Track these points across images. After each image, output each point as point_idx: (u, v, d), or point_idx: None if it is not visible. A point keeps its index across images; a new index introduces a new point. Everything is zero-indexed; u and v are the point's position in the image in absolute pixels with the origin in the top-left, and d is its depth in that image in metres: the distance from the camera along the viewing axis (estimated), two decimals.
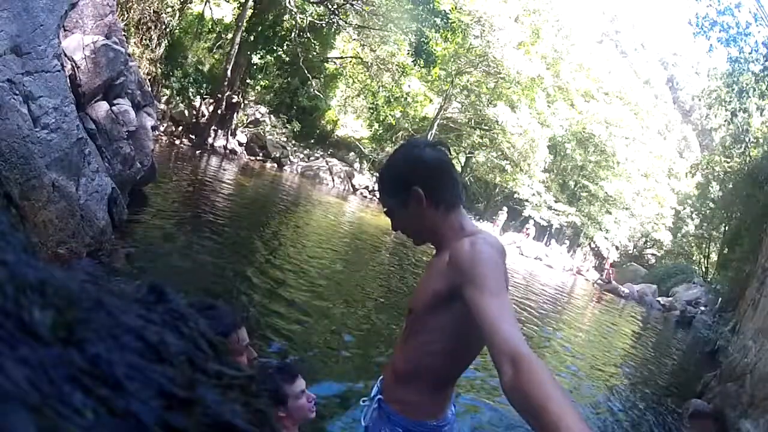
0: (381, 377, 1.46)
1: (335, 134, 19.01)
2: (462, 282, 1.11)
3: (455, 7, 16.80)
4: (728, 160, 19.12)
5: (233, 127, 14.77)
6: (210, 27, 15.49)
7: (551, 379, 0.82)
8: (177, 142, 13.13)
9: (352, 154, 18.59)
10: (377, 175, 1.45)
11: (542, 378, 0.81)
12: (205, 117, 14.10)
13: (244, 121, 15.82)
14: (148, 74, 10.83)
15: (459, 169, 21.24)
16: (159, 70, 12.01)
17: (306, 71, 14.87)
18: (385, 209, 1.37)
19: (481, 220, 20.81)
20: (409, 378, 1.34)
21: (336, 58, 17.70)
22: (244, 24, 13.30)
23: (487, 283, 1.07)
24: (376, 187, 1.41)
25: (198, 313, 0.27)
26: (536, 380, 0.81)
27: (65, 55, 4.32)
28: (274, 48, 14.54)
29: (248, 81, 15.25)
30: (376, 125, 19.22)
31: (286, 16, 14.08)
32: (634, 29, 55.43)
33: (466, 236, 1.23)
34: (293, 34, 13.99)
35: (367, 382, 3.83)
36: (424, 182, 1.27)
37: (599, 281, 19.50)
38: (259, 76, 15.64)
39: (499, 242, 1.26)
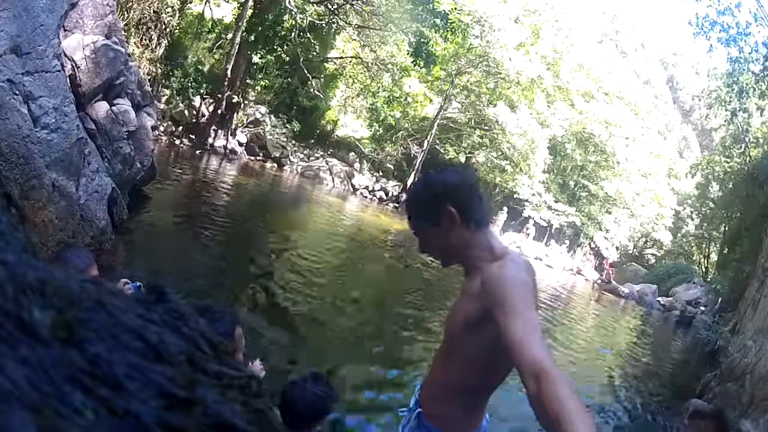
0: (418, 388, 1.54)
1: (335, 134, 18.98)
2: (491, 305, 1.18)
3: (455, 7, 16.78)
4: (728, 160, 19.09)
5: (233, 127, 14.77)
6: (210, 27, 15.47)
7: (568, 392, 0.89)
8: (177, 142, 13.12)
9: (352, 154, 18.58)
10: (405, 197, 1.51)
11: (560, 391, 0.89)
12: (205, 117, 14.09)
13: (244, 121, 15.81)
14: (148, 74, 10.82)
15: None
16: (159, 70, 12.01)
17: (306, 71, 14.86)
18: (414, 230, 1.40)
19: None
20: (446, 394, 1.42)
21: (336, 58, 17.68)
22: (244, 24, 13.29)
23: (515, 305, 1.13)
24: (405, 210, 1.43)
25: (200, 314, 0.27)
26: (554, 394, 0.89)
27: (65, 55, 4.32)
28: (274, 48, 14.53)
29: (248, 81, 15.23)
30: (376, 125, 19.18)
31: (286, 16, 14.07)
32: (634, 29, 55.28)
33: (496, 259, 1.30)
34: (293, 34, 13.98)
35: (369, 377, 3.83)
36: (456, 201, 1.32)
37: (599, 281, 19.49)
38: (259, 76, 15.62)
39: (527, 262, 1.34)
